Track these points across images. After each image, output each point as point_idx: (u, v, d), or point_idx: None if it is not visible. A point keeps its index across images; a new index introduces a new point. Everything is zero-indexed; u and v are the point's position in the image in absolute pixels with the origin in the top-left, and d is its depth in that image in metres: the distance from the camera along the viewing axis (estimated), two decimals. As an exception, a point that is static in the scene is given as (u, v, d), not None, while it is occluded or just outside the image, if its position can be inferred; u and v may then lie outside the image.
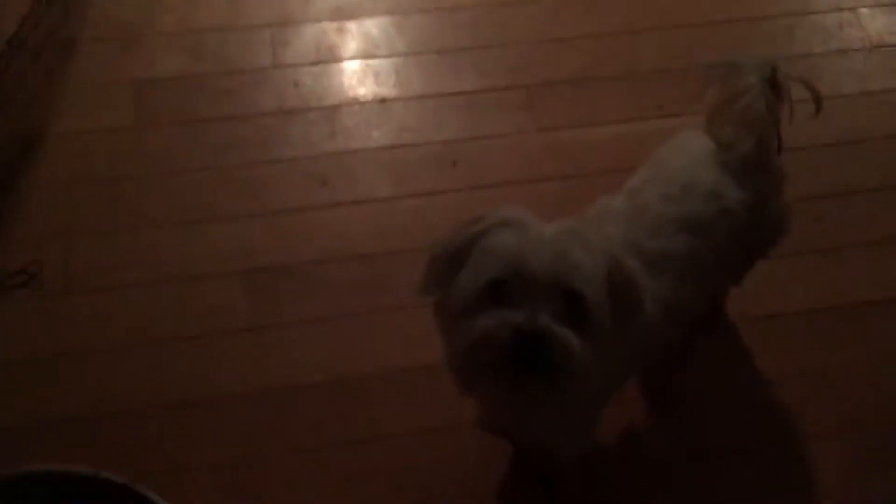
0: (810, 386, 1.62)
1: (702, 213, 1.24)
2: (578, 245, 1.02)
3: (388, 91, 2.02)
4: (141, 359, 1.62)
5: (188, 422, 1.55)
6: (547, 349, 0.98)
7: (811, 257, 1.78)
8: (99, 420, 1.54)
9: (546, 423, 1.22)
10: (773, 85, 1.29)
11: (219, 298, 1.70)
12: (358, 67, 2.06)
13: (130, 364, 1.61)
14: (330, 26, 2.12)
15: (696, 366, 1.65)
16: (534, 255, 1.00)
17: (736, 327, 1.69)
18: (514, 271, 1.00)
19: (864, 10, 2.19)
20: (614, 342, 1.05)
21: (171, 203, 1.82)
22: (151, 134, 1.92)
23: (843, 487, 1.51)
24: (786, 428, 1.59)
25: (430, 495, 1.48)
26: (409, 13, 2.14)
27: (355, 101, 2.00)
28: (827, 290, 1.74)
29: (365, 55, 2.08)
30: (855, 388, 1.62)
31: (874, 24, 2.17)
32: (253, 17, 2.12)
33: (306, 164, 1.89)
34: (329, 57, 2.07)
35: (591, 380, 1.01)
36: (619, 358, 1.12)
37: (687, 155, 1.32)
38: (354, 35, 2.11)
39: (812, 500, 1.51)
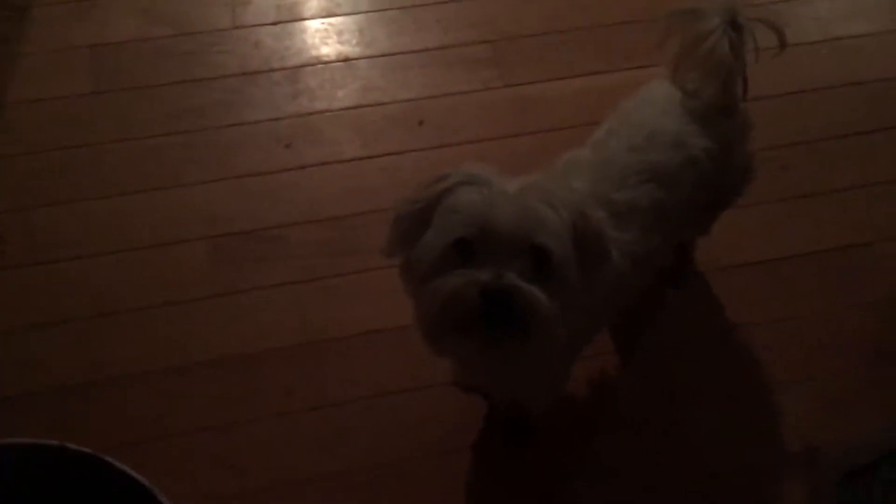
0: (778, 333, 1.64)
1: (667, 162, 1.23)
2: (543, 200, 1.02)
3: (351, 50, 1.99)
4: (109, 328, 1.60)
5: (159, 391, 1.54)
6: (515, 306, 0.97)
7: (779, 206, 1.79)
8: (69, 391, 1.53)
9: (518, 378, 1.22)
10: (736, 27, 1.28)
11: (186, 265, 1.68)
12: (320, 26, 2.02)
13: (99, 334, 1.59)
14: (290, -16, 2.08)
15: (667, 317, 1.66)
16: (498, 212, 0.99)
17: (706, 277, 1.70)
18: (479, 229, 0.99)
19: (828, -44, 2.18)
20: (582, 295, 1.05)
21: (133, 170, 1.79)
22: (110, 99, 1.88)
23: (812, 431, 1.54)
24: (755, 375, 1.61)
25: (405, 455, 1.49)
26: (371, -32, 2.11)
27: (318, 61, 1.97)
28: (794, 237, 1.76)
29: (327, 13, 2.04)
30: (821, 335, 1.64)
31: (839, -31, 2.16)
32: (210, -24, 2.07)
33: (270, 126, 1.86)
34: (290, 16, 2.03)
35: (560, 334, 1.01)
36: (587, 311, 1.12)
37: (652, 105, 1.31)
38: (315, -8, 2.08)
39: (783, 444, 1.53)
